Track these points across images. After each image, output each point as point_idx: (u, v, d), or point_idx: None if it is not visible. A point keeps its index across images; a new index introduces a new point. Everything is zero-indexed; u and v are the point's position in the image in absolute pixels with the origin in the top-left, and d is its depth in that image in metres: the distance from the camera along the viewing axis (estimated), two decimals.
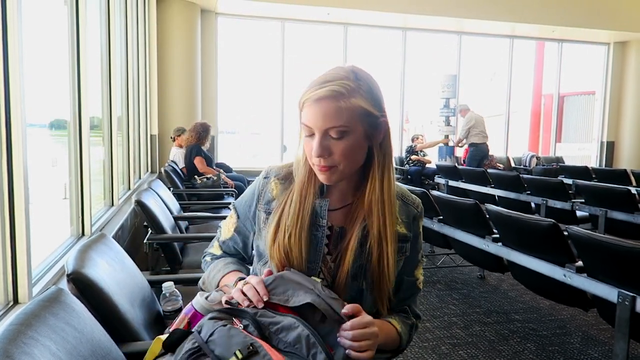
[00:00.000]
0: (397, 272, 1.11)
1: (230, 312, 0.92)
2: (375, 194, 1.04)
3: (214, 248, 1.26)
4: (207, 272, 1.22)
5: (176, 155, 5.87)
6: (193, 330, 0.91)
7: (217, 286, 1.14)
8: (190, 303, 1.02)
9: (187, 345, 0.87)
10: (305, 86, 1.01)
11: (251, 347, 0.81)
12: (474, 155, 7.51)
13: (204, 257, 1.28)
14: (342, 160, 1.00)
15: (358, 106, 0.98)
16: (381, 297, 1.08)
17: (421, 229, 1.18)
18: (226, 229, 1.23)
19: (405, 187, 1.21)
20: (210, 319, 0.91)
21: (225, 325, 0.87)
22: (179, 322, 1.01)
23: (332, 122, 0.97)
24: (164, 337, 0.93)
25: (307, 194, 1.06)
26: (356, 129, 0.99)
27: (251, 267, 1.21)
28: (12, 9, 1.53)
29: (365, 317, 0.94)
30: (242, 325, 0.88)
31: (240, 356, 0.81)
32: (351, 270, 1.04)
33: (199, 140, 5.21)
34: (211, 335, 0.86)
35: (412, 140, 8.40)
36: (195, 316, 0.99)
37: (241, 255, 1.25)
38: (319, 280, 0.99)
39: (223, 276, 1.15)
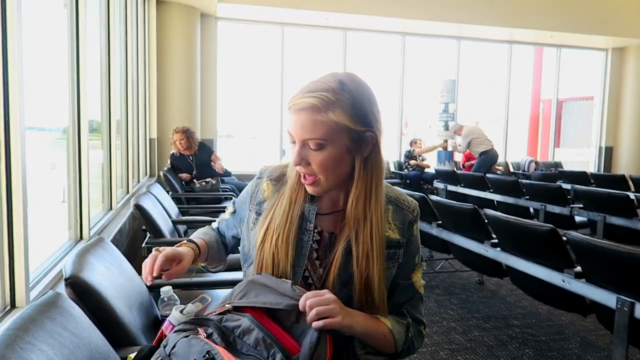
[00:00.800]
0: (389, 279, 1.09)
1: (195, 322, 0.94)
2: (357, 208, 1.03)
3: (215, 222, 1.33)
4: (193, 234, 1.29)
5: None
6: (161, 345, 0.93)
7: None
8: (167, 318, 1.03)
9: None
10: (294, 91, 1.01)
11: (207, 355, 0.83)
12: (485, 163, 7.42)
13: None
14: (321, 171, 1.00)
15: (335, 121, 0.96)
16: (373, 309, 1.05)
17: (417, 232, 1.15)
18: (226, 213, 1.29)
19: (401, 190, 1.19)
20: (176, 331, 0.93)
21: (187, 337, 0.89)
22: (157, 338, 1.03)
23: (309, 134, 0.97)
24: (134, 355, 0.95)
25: (297, 197, 1.07)
26: (336, 142, 0.98)
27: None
28: (12, 12, 1.53)
29: (320, 291, 0.95)
30: (205, 334, 0.90)
31: None
32: (339, 278, 1.03)
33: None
34: (173, 347, 0.88)
35: (411, 144, 8.41)
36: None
37: (225, 240, 1.30)
38: (289, 281, 0.99)
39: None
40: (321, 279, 1.05)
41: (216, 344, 0.87)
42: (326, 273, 1.05)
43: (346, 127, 0.97)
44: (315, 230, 1.07)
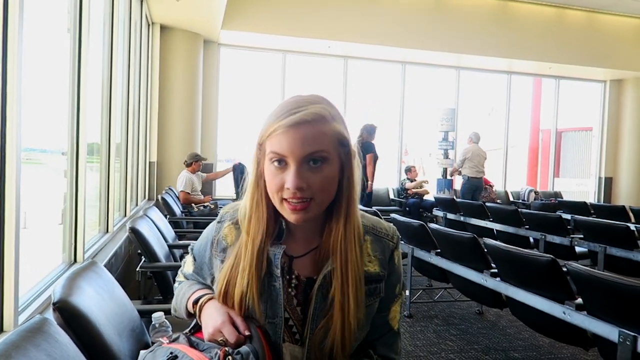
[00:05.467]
0: (371, 317, 1.00)
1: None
2: (339, 233, 0.93)
3: (180, 277, 1.19)
4: (174, 298, 1.15)
5: (184, 178, 5.71)
6: None
7: (186, 309, 1.07)
8: None
9: None
10: (269, 117, 0.92)
11: (170, 354, 0.87)
12: (468, 188, 7.63)
13: (174, 284, 1.22)
14: (318, 193, 0.89)
15: (339, 132, 0.91)
16: (343, 348, 0.93)
17: (399, 261, 1.05)
18: (187, 265, 1.16)
19: (376, 218, 1.08)
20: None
21: (152, 351, 0.93)
22: None
23: (312, 147, 0.87)
24: None
25: (262, 240, 0.94)
26: (334, 158, 0.91)
27: None
28: (13, 33, 1.54)
29: None
30: (169, 341, 0.94)
31: None
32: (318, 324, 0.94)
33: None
34: None
35: (406, 172, 8.34)
36: None
37: None
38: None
39: (189, 298, 1.07)
40: (304, 326, 0.96)
41: (180, 343, 0.90)
42: (307, 320, 0.95)
43: (344, 140, 0.92)
44: (291, 276, 0.97)
